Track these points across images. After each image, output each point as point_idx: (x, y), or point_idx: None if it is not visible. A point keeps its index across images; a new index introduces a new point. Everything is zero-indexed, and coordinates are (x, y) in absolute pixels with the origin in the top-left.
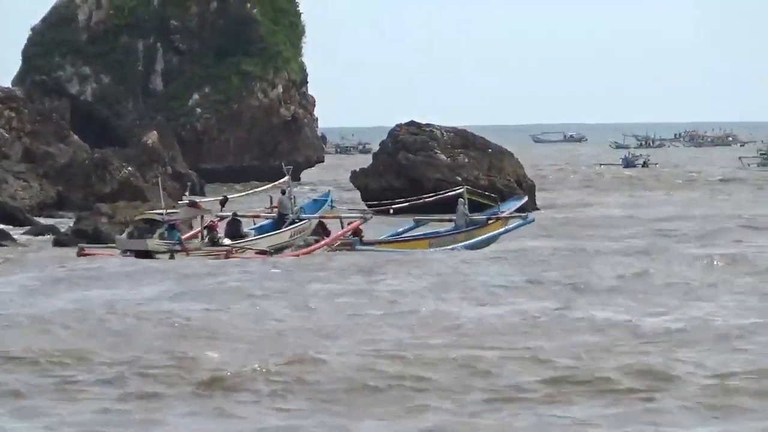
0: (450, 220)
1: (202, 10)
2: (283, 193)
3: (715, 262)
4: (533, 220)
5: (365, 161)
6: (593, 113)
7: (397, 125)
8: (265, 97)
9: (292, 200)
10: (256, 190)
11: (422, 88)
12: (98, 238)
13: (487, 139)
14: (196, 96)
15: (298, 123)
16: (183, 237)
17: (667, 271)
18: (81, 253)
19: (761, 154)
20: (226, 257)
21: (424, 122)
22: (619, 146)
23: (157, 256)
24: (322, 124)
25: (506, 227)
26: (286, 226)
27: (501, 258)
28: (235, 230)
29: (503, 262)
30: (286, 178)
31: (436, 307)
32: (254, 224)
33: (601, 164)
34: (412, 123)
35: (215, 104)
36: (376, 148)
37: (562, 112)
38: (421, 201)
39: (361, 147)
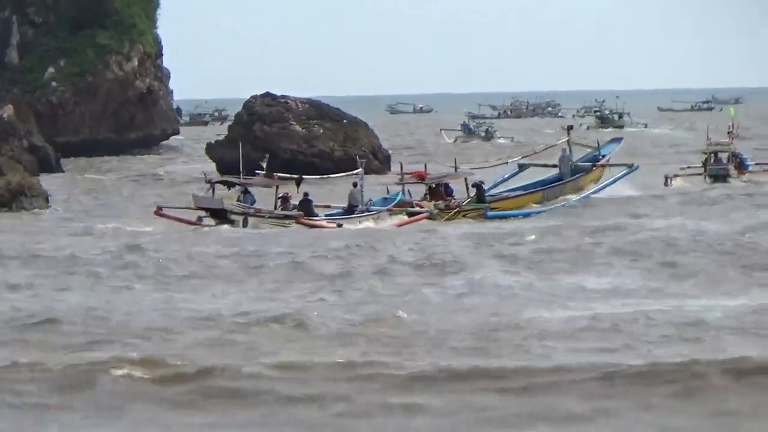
0: (554, 166)
1: None
2: (355, 185)
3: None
4: (638, 167)
5: (222, 133)
6: (451, 83)
7: (252, 97)
8: (120, 70)
9: (363, 193)
10: (331, 176)
11: (278, 59)
12: None
13: (343, 110)
14: (51, 69)
15: (153, 95)
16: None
17: None
18: (158, 213)
19: (595, 111)
20: (297, 222)
21: (279, 93)
22: (474, 116)
23: (232, 216)
24: (177, 96)
25: (614, 178)
26: (356, 215)
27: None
28: (306, 209)
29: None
30: (359, 170)
31: None
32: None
33: (441, 129)
34: (267, 94)
35: (71, 77)
36: (232, 115)
37: (419, 83)
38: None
39: (216, 114)
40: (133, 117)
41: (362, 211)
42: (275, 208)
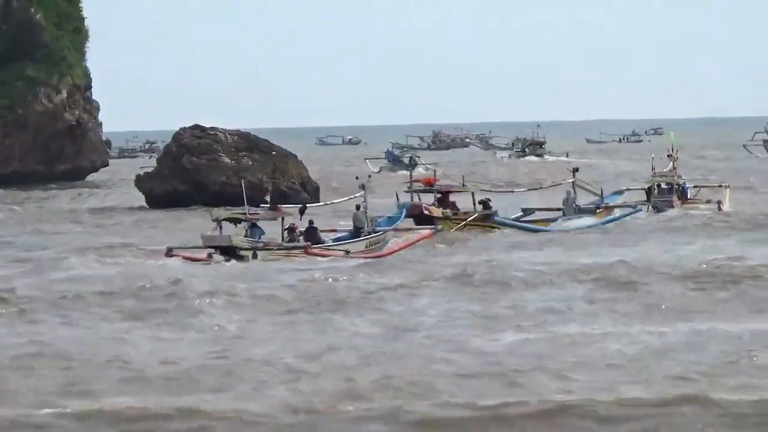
0: (558, 209)
1: None
2: (358, 208)
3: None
4: (641, 210)
5: (152, 165)
6: (381, 115)
7: (181, 128)
8: (49, 102)
9: (366, 214)
10: (333, 201)
11: (207, 91)
12: None
13: (272, 141)
14: None
15: (82, 127)
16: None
17: None
18: (169, 254)
19: (515, 149)
20: (305, 252)
21: (208, 125)
22: (401, 147)
23: (241, 252)
24: (107, 128)
25: (622, 213)
26: (363, 237)
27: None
28: (313, 236)
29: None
30: (361, 193)
31: None
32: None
33: (366, 158)
34: (196, 126)
35: (0, 110)
36: (162, 147)
37: (347, 115)
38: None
39: (147, 146)
40: (62, 149)
41: (368, 233)
42: (282, 239)
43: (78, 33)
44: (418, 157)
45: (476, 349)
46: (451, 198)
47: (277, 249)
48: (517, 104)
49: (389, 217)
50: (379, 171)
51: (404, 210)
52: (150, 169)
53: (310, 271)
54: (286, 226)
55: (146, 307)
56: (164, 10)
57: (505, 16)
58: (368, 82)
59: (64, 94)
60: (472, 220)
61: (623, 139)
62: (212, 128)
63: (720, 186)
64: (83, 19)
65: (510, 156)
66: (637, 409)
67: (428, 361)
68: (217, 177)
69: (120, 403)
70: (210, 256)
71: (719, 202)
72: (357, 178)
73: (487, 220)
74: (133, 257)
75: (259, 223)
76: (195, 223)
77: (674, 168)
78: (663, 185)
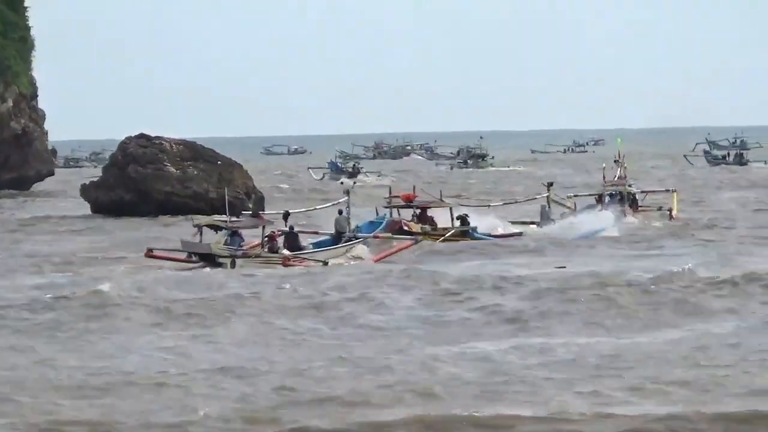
0: (533, 223)
1: None
2: (340, 213)
3: None
4: (604, 229)
5: (97, 175)
6: (326, 125)
7: (126, 138)
8: None
9: (349, 220)
10: (317, 207)
11: (153, 100)
12: None
13: (218, 151)
14: None
15: (28, 136)
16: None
17: None
18: (149, 254)
19: (458, 160)
20: (284, 264)
21: (154, 135)
22: (347, 156)
23: (220, 259)
24: (55, 137)
25: (595, 229)
26: (343, 243)
27: None
28: (292, 242)
29: None
30: (345, 198)
31: None
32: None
33: (309, 167)
34: (141, 135)
35: None
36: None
37: (293, 125)
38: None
39: (93, 155)
40: (7, 158)
41: (349, 238)
42: (262, 247)
43: (24, 42)
44: (361, 166)
45: (426, 357)
46: (429, 213)
47: (256, 257)
48: (462, 115)
49: (371, 222)
50: (322, 178)
51: (386, 215)
52: (96, 179)
53: (269, 278)
54: (267, 234)
55: (89, 315)
56: (109, 20)
57: (449, 28)
58: (314, 91)
59: (10, 103)
60: (451, 235)
61: (568, 149)
62: (158, 137)
63: (667, 191)
64: (29, 28)
65: (452, 167)
66: (577, 415)
67: (376, 371)
68: (163, 186)
69: (43, 414)
70: (190, 256)
71: (670, 210)
72: (341, 183)
73: (465, 235)
74: (79, 266)
75: (239, 231)
76: (143, 232)
77: (624, 176)
78: (614, 193)
